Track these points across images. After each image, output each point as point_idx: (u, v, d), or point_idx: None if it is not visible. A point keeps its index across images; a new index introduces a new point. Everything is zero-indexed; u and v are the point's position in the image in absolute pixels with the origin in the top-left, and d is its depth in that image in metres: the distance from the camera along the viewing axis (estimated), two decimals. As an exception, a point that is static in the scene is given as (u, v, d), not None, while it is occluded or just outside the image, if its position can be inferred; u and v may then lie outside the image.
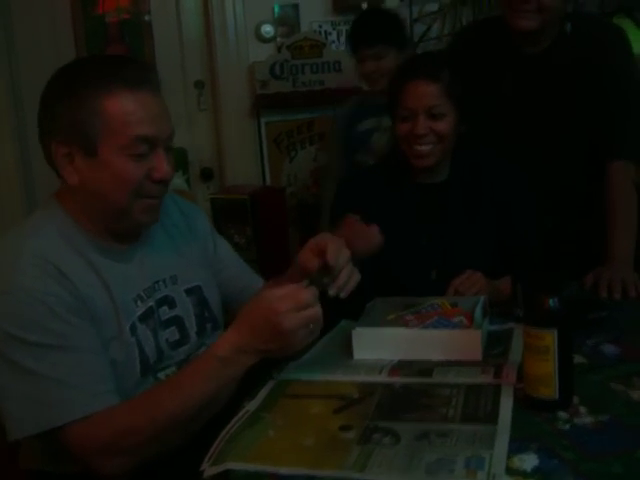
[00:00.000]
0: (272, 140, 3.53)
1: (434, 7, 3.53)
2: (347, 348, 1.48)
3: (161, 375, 1.38)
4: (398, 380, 1.33)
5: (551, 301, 1.17)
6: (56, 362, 1.22)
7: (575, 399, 1.21)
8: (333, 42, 3.53)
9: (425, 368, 1.37)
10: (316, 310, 1.22)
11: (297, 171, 3.55)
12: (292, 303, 1.21)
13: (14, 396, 1.22)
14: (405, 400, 1.25)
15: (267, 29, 3.46)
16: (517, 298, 1.65)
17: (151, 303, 1.40)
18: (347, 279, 1.38)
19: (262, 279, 1.68)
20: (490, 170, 1.92)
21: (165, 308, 1.43)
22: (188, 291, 1.49)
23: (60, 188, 1.38)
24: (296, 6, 3.48)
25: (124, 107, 1.28)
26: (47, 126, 1.32)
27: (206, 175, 3.53)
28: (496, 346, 1.47)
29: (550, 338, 1.15)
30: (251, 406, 1.28)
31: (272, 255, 3.07)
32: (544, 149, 2.08)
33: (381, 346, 1.45)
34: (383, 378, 1.35)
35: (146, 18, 3.45)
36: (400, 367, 1.39)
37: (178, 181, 3.42)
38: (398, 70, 1.92)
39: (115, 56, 1.65)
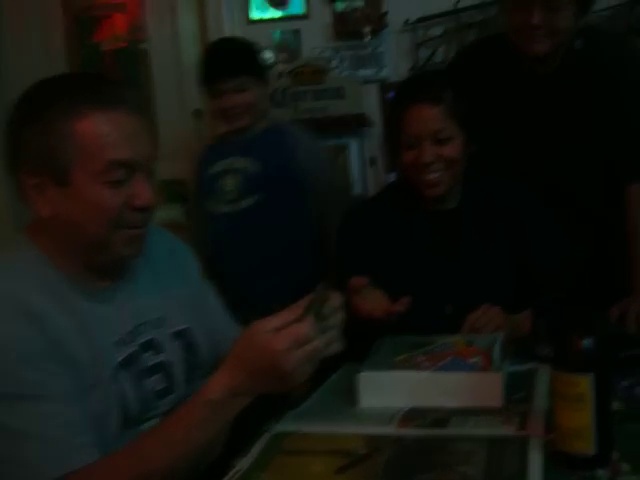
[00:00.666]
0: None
1: (439, 31, 3.42)
2: (351, 394, 1.32)
3: (145, 427, 1.24)
4: (410, 432, 1.17)
5: (586, 342, 1.01)
6: (30, 414, 1.08)
7: (615, 454, 1.04)
8: (335, 68, 3.42)
9: (440, 417, 1.22)
10: (317, 344, 1.06)
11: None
12: (291, 339, 1.04)
13: None
14: (418, 457, 1.09)
15: (267, 55, 3.35)
16: (539, 335, 1.50)
17: (134, 348, 1.26)
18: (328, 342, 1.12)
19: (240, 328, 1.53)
20: (503, 194, 1.79)
21: (150, 353, 1.29)
22: (176, 334, 1.35)
23: (31, 223, 1.25)
24: (297, 32, 3.39)
25: (97, 129, 1.16)
26: (14, 155, 1.20)
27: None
28: (517, 390, 1.32)
29: (585, 384, 1.00)
30: (243, 464, 1.12)
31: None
32: (558, 171, 1.94)
33: (390, 392, 1.29)
34: (393, 430, 1.19)
35: (143, 46, 3.35)
36: (412, 417, 1.23)
37: (174, 212, 3.28)
38: (397, 95, 1.80)
39: (85, 74, 1.48)
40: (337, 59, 3.43)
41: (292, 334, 1.04)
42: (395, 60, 3.46)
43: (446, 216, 1.76)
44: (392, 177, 3.45)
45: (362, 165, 3.48)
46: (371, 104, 3.45)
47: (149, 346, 1.29)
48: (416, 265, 1.73)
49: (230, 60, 2.37)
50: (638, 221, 1.87)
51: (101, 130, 1.16)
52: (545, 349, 1.48)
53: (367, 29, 3.32)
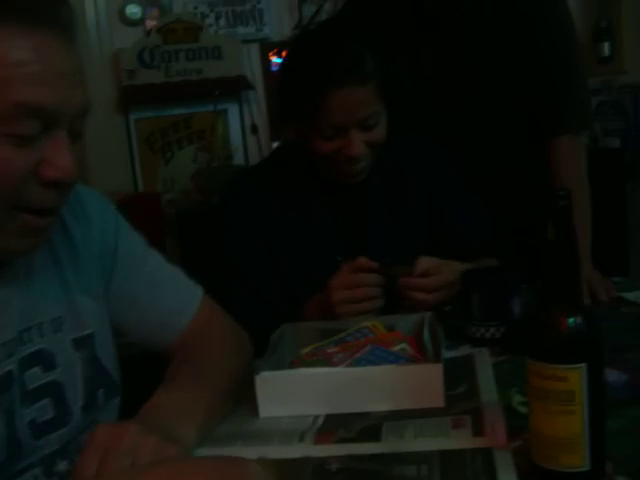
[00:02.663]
0: (144, 140, 3.04)
1: (324, -15, 3.14)
2: (249, 402, 1.01)
3: None
4: (332, 452, 0.86)
5: (572, 321, 0.74)
6: None
7: (608, 465, 0.78)
8: (211, 26, 3.08)
9: (368, 426, 0.92)
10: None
11: (175, 175, 3.07)
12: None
13: None
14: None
15: (133, 10, 2.98)
16: (473, 312, 1.23)
17: (10, 366, 0.87)
18: None
19: (198, 292, 1.14)
20: (413, 158, 1.50)
21: (36, 371, 0.91)
22: (78, 342, 0.96)
23: None
24: (167, -17, 3.02)
25: (8, 53, 0.77)
26: None
27: (65, 182, 2.97)
28: (456, 383, 1.04)
29: (575, 379, 0.72)
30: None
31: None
32: (472, 126, 1.68)
33: (298, 396, 0.98)
34: (307, 449, 0.88)
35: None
36: (330, 428, 0.93)
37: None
38: (306, 72, 1.31)
39: None
40: (213, 15, 3.09)
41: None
42: (277, 17, 3.17)
43: (350, 188, 1.45)
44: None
45: (242, 132, 3.16)
46: (252, 65, 3.14)
47: (36, 360, 0.91)
48: (314, 250, 1.42)
49: None
50: (565, 179, 1.63)
51: (13, 56, 0.77)
52: (480, 329, 1.22)
53: (246, -19, 3.00)
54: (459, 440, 0.86)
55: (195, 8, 3.07)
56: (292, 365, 1.11)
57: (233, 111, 3.13)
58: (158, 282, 1.08)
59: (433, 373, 0.97)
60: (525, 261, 1.48)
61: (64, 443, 0.92)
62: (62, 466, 0.91)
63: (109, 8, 2.94)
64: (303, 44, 1.39)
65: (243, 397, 1.02)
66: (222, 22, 3.10)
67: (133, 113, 2.99)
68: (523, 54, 1.63)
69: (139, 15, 2.98)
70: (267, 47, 3.18)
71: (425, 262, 1.30)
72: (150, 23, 3.01)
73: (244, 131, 3.15)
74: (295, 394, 0.98)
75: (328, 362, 1.10)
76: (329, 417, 0.97)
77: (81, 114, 0.84)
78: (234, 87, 3.06)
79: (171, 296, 1.08)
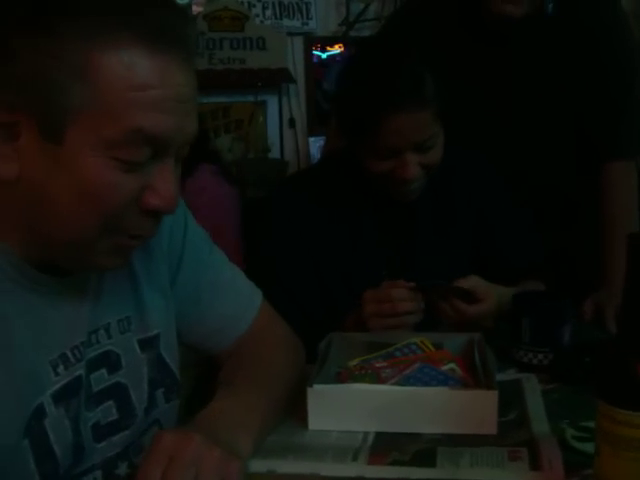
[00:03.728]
0: (181, 126, 3.02)
1: (373, -16, 3.11)
2: (298, 413, 1.00)
3: None
4: (386, 474, 0.85)
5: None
6: None
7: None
8: (257, 16, 3.06)
9: (422, 450, 0.91)
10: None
11: (209, 163, 3.05)
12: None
13: None
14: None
15: (181, -6, 2.95)
16: (522, 337, 1.22)
17: (80, 371, 0.86)
18: None
19: (258, 296, 1.12)
20: (463, 175, 1.47)
21: (102, 372, 0.89)
22: (143, 343, 0.95)
23: None
24: (216, -30, 3.00)
25: (132, 74, 0.73)
26: None
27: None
28: (507, 409, 1.03)
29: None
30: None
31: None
32: (523, 148, 1.65)
33: (349, 412, 0.97)
34: (362, 470, 0.87)
35: None
36: (383, 448, 0.92)
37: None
38: (367, 94, 1.28)
39: None
40: (260, 6, 3.07)
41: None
42: (324, 12, 3.15)
43: (399, 205, 1.42)
44: (314, 141, 3.15)
45: (280, 125, 3.15)
46: (295, 59, 3.12)
47: (102, 362, 0.89)
48: (358, 262, 1.41)
49: None
50: (615, 205, 1.61)
51: (137, 79, 0.73)
52: (528, 354, 1.21)
53: (294, -26, 2.97)
54: (516, 473, 0.85)
55: (243, -4, 3.05)
56: (339, 376, 1.10)
57: (272, 103, 3.12)
58: (221, 285, 1.06)
59: (488, 400, 0.96)
60: (566, 284, 1.48)
61: (125, 446, 0.91)
62: (122, 469, 0.90)
63: (157, -9, 2.92)
64: (363, 62, 1.36)
65: (293, 407, 1.01)
66: (268, 13, 3.08)
67: (172, 98, 2.97)
68: (584, 75, 1.61)
69: (186, 0, 2.97)
70: (311, 41, 3.16)
71: (473, 281, 1.29)
72: (196, 9, 2.99)
73: (282, 124, 3.14)
74: (347, 409, 0.97)
75: (376, 377, 1.09)
76: (379, 435, 0.96)
77: (188, 143, 0.81)
78: (276, 79, 3.04)
79: (232, 301, 1.06)
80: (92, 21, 0.73)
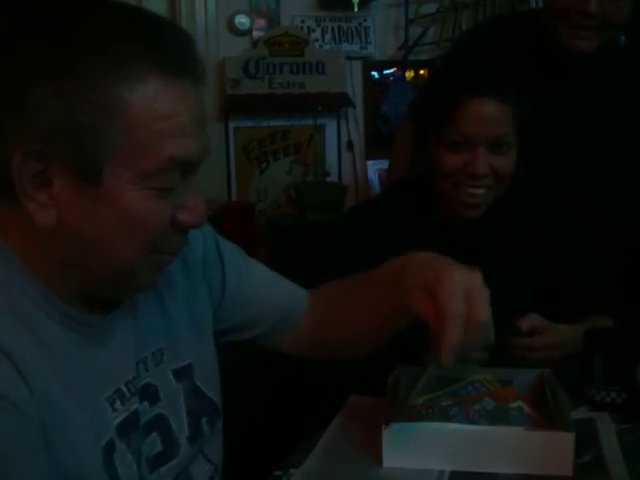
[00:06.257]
0: (241, 149, 3.07)
1: (432, 8, 3.13)
2: (370, 447, 1.01)
3: None
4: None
5: None
6: None
7: None
8: (316, 40, 3.10)
9: (497, 491, 0.91)
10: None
11: (268, 185, 3.09)
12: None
13: None
14: None
15: (242, 20, 3.01)
16: (595, 375, 1.20)
17: (136, 405, 0.87)
18: None
19: (304, 291, 1.17)
20: (530, 204, 1.46)
21: (145, 405, 0.90)
22: (178, 373, 0.96)
23: (7, 224, 0.80)
24: (278, -4, 3.05)
25: (160, 107, 0.75)
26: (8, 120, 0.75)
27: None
28: (581, 449, 1.02)
29: None
30: None
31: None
32: (590, 179, 1.63)
33: (423, 450, 0.98)
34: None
35: None
36: (459, 488, 0.92)
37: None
38: (445, 78, 1.37)
39: (133, 8, 0.81)
40: (319, 30, 3.11)
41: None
42: (382, 36, 3.17)
43: (463, 229, 1.44)
44: (372, 165, 3.16)
45: (338, 149, 3.17)
46: (353, 82, 3.15)
47: (144, 395, 0.89)
48: None
49: None
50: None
51: (165, 107, 0.75)
52: (601, 392, 1.20)
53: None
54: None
55: (302, 22, 3.09)
56: (407, 414, 1.10)
57: (331, 127, 3.14)
58: (269, 282, 1.12)
59: (565, 442, 0.96)
60: (635, 319, 1.46)
61: (174, 476, 0.92)
62: None
63: (219, 17, 2.98)
64: (449, 61, 1.45)
65: (366, 444, 1.02)
66: (328, 37, 3.12)
67: (233, 121, 3.02)
68: None
69: (247, 26, 3.02)
70: (370, 65, 3.18)
71: (534, 319, 1.29)
72: (257, 34, 3.04)
73: (340, 148, 3.16)
74: (421, 448, 0.98)
75: (445, 415, 1.09)
76: (454, 474, 0.96)
77: (203, 160, 0.83)
78: (335, 103, 3.07)
79: (285, 290, 1.13)
80: (114, 57, 0.73)
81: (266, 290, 1.10)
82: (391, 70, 3.22)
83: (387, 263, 1.05)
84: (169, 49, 0.76)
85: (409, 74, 3.22)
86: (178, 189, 0.80)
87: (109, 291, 0.85)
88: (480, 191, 1.34)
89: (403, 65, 3.17)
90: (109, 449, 0.82)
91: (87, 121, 0.73)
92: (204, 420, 0.98)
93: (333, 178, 3.10)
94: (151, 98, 0.75)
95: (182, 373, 0.96)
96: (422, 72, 3.19)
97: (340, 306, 1.13)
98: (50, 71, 0.73)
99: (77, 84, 0.73)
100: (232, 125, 3.02)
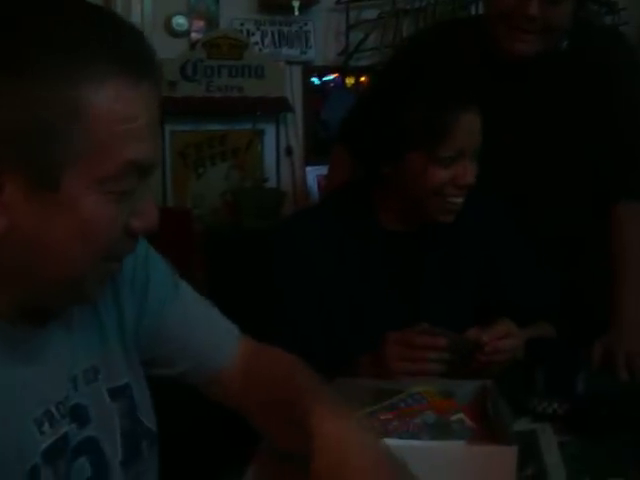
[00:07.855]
0: (178, 153, 2.99)
1: (373, 14, 3.11)
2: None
3: None
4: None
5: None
6: None
7: None
8: (256, 44, 3.04)
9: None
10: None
11: (205, 191, 3.02)
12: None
13: None
14: None
15: (180, 21, 2.95)
16: (536, 386, 1.18)
17: (65, 428, 0.82)
18: None
19: (235, 337, 1.06)
20: (473, 213, 1.44)
21: (73, 427, 0.84)
22: (114, 392, 0.90)
23: None
24: (216, -2, 2.98)
25: (120, 106, 0.72)
26: None
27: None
28: (524, 463, 0.99)
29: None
30: None
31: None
32: (535, 186, 1.63)
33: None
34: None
35: None
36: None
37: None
38: (439, 95, 1.33)
39: (93, 8, 0.76)
40: (259, 34, 3.06)
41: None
42: (323, 41, 3.14)
43: (408, 236, 1.42)
44: (311, 171, 3.12)
45: (277, 155, 3.12)
46: (293, 87, 3.11)
47: (72, 417, 0.84)
48: (368, 297, 1.38)
49: None
50: (627, 244, 1.58)
51: (127, 109, 0.72)
52: (542, 404, 1.17)
53: (295, 3, 2.96)
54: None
55: (242, 25, 3.03)
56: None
57: (270, 132, 3.09)
58: (191, 323, 1.01)
59: (507, 456, 0.93)
60: (579, 326, 1.45)
61: None
62: None
63: (156, 18, 2.90)
64: (417, 70, 1.42)
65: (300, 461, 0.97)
66: (267, 41, 3.07)
67: (169, 125, 2.94)
68: (598, 124, 1.59)
69: (185, 27, 2.95)
70: (309, 70, 3.15)
71: (507, 324, 1.28)
72: (195, 36, 2.97)
73: (279, 153, 3.11)
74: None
75: (384, 430, 1.05)
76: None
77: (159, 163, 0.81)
78: (274, 108, 3.01)
79: (208, 335, 1.02)
80: (74, 56, 0.69)
81: (185, 331, 1.00)
82: (332, 77, 3.18)
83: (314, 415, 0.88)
84: (130, 50, 0.73)
85: (349, 81, 3.19)
86: (133, 194, 0.76)
87: (53, 301, 0.80)
88: (462, 199, 1.35)
89: (344, 71, 3.14)
90: (33, 475, 0.76)
91: (45, 122, 0.69)
92: (145, 444, 0.92)
93: (271, 184, 3.04)
94: (112, 99, 0.71)
95: (119, 392, 0.90)
96: (362, 79, 3.17)
97: (261, 394, 1.02)
98: (6, 68, 0.68)
99: (35, 83, 0.68)
100: (168, 129, 2.94)
